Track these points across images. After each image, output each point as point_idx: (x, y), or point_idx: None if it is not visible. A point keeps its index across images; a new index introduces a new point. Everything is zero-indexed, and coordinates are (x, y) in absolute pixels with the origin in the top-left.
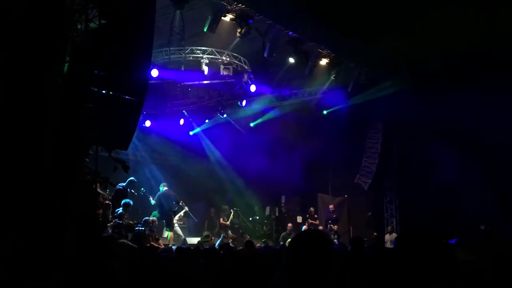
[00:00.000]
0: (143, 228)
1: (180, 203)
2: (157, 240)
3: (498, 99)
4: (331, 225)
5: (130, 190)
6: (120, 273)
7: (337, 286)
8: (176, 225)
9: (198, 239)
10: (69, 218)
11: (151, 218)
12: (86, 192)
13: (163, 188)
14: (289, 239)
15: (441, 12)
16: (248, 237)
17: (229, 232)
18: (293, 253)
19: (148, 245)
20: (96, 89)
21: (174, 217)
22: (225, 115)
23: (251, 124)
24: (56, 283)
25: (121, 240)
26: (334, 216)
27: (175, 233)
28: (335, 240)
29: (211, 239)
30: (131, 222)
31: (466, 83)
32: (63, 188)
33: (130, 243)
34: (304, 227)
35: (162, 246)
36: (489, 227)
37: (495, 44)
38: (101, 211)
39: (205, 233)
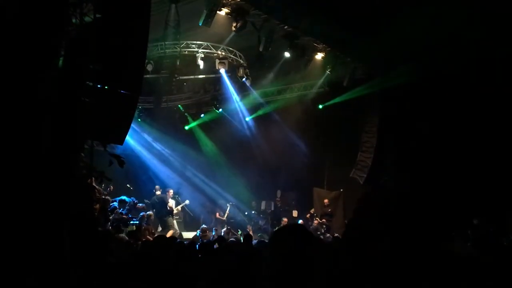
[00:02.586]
0: (138, 222)
1: (175, 210)
2: (152, 235)
3: (493, 95)
4: (317, 219)
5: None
6: (118, 268)
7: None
8: (174, 221)
9: (194, 233)
10: (65, 214)
11: (146, 213)
12: (81, 187)
13: (157, 192)
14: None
15: (439, 8)
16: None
17: (225, 226)
18: (275, 248)
19: (144, 239)
20: (91, 84)
21: (169, 217)
22: (220, 110)
23: (247, 119)
24: (54, 280)
25: (120, 235)
26: (329, 210)
27: (173, 229)
28: (327, 234)
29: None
30: (125, 216)
31: (463, 79)
32: (59, 183)
33: (127, 238)
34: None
35: None
36: (482, 222)
37: (492, 43)
38: (98, 206)
39: (203, 227)
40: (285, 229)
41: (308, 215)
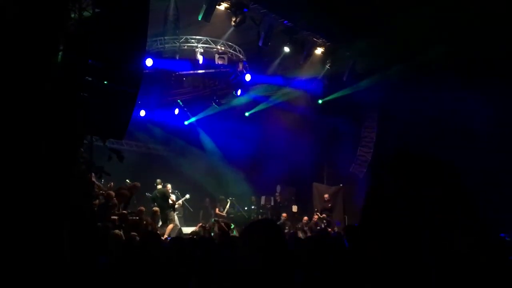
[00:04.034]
0: (137, 218)
1: (177, 204)
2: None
3: (493, 93)
4: (318, 214)
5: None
6: (113, 264)
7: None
8: (175, 215)
9: (193, 228)
10: (65, 212)
11: (153, 209)
12: (81, 183)
13: (158, 185)
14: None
15: (438, 4)
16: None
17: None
18: (244, 242)
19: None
20: (90, 79)
21: (171, 211)
22: (220, 105)
23: (246, 114)
24: (54, 275)
25: (115, 231)
26: (329, 205)
27: (173, 223)
28: (328, 229)
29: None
30: (124, 211)
31: (463, 75)
32: (59, 180)
33: (122, 234)
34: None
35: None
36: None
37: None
38: (97, 201)
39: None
40: (254, 223)
41: (315, 216)
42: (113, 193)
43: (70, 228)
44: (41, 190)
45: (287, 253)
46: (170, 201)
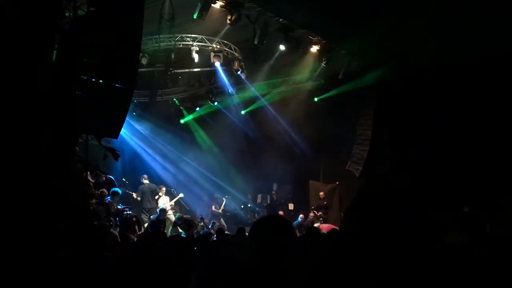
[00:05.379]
0: (130, 212)
1: (171, 204)
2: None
3: (489, 94)
4: (314, 212)
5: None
6: (113, 263)
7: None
8: (170, 212)
9: None
10: (65, 210)
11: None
12: (78, 182)
13: (145, 180)
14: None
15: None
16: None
17: (222, 220)
18: (252, 239)
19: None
20: (85, 77)
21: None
22: (216, 103)
23: (242, 112)
24: (52, 275)
25: (112, 231)
26: (325, 203)
27: (169, 221)
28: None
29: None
30: (119, 208)
31: (458, 73)
32: (58, 179)
33: (117, 234)
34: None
35: None
36: (473, 210)
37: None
38: (94, 201)
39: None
40: (262, 220)
41: (312, 214)
42: (106, 192)
43: (69, 227)
44: (40, 190)
45: (288, 254)
46: (156, 197)
